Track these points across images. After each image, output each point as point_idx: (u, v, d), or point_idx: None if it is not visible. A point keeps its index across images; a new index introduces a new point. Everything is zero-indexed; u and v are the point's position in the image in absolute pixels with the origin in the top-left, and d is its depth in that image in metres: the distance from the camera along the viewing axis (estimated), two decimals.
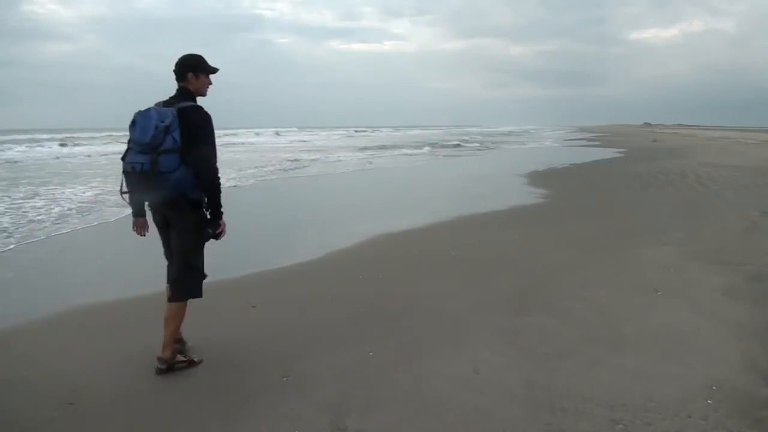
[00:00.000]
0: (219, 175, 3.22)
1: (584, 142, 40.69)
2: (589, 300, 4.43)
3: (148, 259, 6.50)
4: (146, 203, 3.31)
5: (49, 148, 29.73)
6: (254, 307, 4.46)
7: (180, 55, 3.32)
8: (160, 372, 3.26)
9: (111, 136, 39.56)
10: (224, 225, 3.30)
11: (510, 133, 73.16)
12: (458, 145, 36.32)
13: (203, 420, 2.80)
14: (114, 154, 25.71)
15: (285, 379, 3.20)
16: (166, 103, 3.19)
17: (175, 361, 3.32)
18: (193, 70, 3.27)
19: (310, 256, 6.19)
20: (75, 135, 42.76)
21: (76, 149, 29.04)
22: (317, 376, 3.21)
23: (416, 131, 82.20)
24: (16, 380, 3.26)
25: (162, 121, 3.03)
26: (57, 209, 9.12)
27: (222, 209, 3.25)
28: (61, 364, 3.48)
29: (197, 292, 3.35)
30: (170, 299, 3.31)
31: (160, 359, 3.27)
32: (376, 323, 4.09)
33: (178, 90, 3.27)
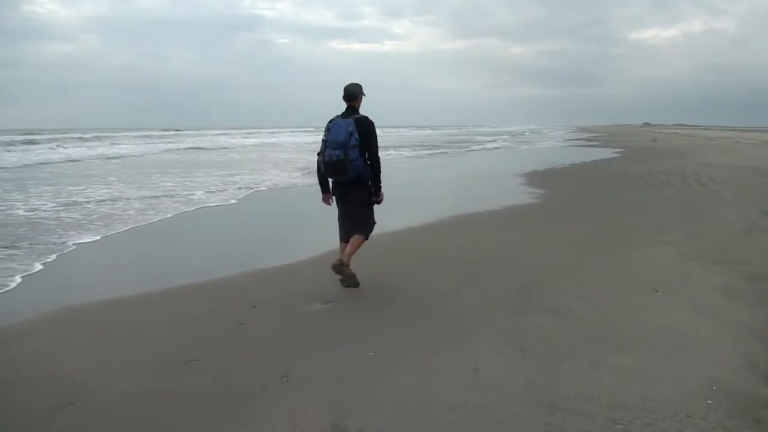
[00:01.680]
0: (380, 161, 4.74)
1: (584, 142, 40.70)
2: (589, 300, 4.43)
3: (149, 257, 6.56)
4: (330, 182, 4.85)
5: (88, 146, 30.19)
6: (254, 307, 4.45)
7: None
8: (336, 265, 4.75)
9: (130, 135, 39.66)
10: (383, 195, 4.87)
11: (523, 133, 74.50)
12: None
13: (203, 420, 2.80)
14: (154, 153, 26.57)
15: (285, 379, 3.20)
16: (343, 116, 4.69)
17: (347, 269, 4.81)
18: (359, 95, 4.76)
19: (310, 255, 6.19)
20: (102, 134, 42.94)
21: (116, 149, 29.43)
22: (317, 376, 3.21)
23: (427, 131, 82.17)
24: (16, 380, 3.26)
25: (348, 128, 4.56)
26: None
27: (381, 185, 4.80)
28: (61, 364, 3.48)
29: (368, 236, 4.91)
30: (355, 237, 4.81)
31: (339, 260, 4.77)
32: (376, 323, 4.09)
33: (348, 107, 4.74)
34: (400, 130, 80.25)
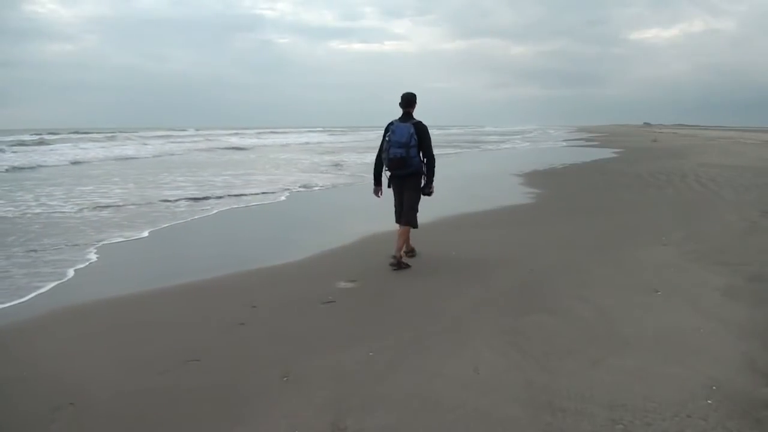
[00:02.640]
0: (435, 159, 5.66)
1: (583, 142, 40.70)
2: (589, 300, 4.43)
3: (154, 254, 6.55)
4: (385, 177, 5.75)
5: (104, 146, 30.09)
6: (254, 307, 4.45)
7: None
8: (393, 265, 5.46)
9: (147, 135, 40.80)
10: (434, 188, 5.69)
11: (531, 132, 75.15)
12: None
13: (203, 420, 2.80)
14: (181, 153, 26.48)
15: (285, 379, 3.20)
16: (402, 120, 5.56)
17: (402, 261, 5.54)
18: (415, 102, 5.65)
19: (309, 255, 6.19)
20: (111, 134, 43.36)
21: (150, 147, 29.68)
22: (317, 376, 3.21)
23: (435, 131, 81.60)
24: (16, 380, 3.26)
25: (409, 130, 5.45)
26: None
27: (433, 178, 5.64)
28: (61, 364, 3.48)
29: (415, 224, 5.70)
30: (402, 225, 5.66)
31: (393, 257, 5.51)
32: (376, 323, 4.09)
33: (405, 113, 5.60)
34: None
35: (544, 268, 5.49)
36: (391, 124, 5.59)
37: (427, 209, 9.10)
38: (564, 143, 40.69)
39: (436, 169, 5.69)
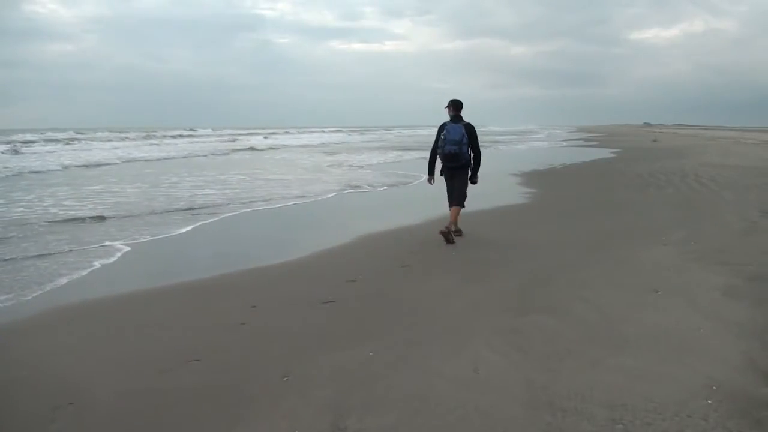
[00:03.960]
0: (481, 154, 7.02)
1: (584, 142, 40.70)
2: (589, 300, 4.43)
3: (156, 251, 6.55)
4: (438, 168, 7.05)
5: (125, 146, 30.78)
6: (254, 307, 4.45)
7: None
8: (444, 234, 6.53)
9: (167, 135, 42.00)
10: (479, 178, 7.09)
11: (537, 132, 75.73)
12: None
13: (203, 420, 2.80)
14: (223, 153, 26.56)
15: (285, 379, 3.20)
16: (453, 122, 6.78)
17: (453, 231, 6.70)
18: (462, 106, 6.87)
19: (308, 254, 6.19)
20: (158, 133, 44.23)
21: (180, 146, 30.78)
22: (317, 376, 3.21)
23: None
24: (16, 380, 3.26)
25: (461, 131, 6.70)
26: None
27: (478, 170, 7.00)
28: (61, 364, 3.48)
29: (464, 204, 6.98)
30: (454, 206, 6.89)
31: (446, 227, 6.60)
32: (376, 323, 4.09)
33: (455, 116, 6.82)
34: (406, 131, 69.72)
35: (544, 268, 5.49)
36: (444, 124, 6.82)
37: (427, 209, 9.11)
38: (564, 143, 40.69)
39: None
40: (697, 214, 8.45)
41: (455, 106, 6.82)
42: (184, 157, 23.67)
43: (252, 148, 31.42)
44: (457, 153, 6.71)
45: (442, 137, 6.76)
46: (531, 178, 14.59)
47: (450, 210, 6.92)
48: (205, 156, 24.60)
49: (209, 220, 8.46)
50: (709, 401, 2.80)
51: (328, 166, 19.43)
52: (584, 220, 8.41)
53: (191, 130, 56.06)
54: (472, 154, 6.87)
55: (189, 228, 7.83)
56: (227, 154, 26.69)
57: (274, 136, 50.26)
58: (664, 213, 8.69)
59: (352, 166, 19.24)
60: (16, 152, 22.81)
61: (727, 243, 6.36)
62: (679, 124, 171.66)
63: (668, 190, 11.40)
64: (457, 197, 6.89)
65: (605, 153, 26.24)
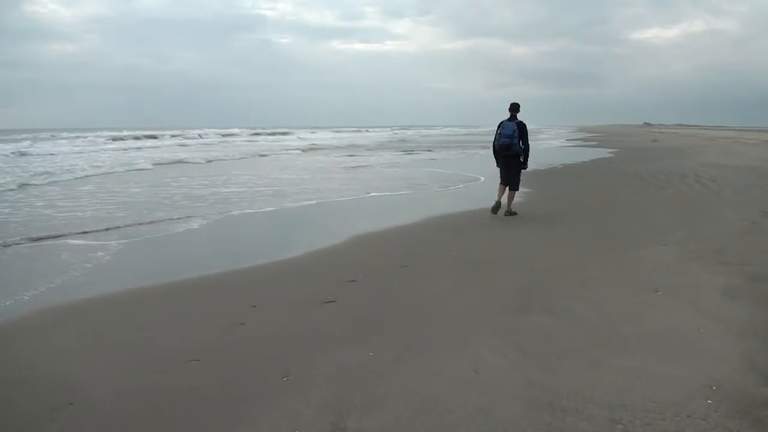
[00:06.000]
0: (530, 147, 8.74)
1: (583, 143, 40.69)
2: (589, 300, 4.43)
3: (169, 256, 6.55)
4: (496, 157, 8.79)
5: (142, 145, 32.42)
6: (254, 307, 4.45)
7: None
8: (495, 207, 8.52)
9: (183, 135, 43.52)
10: (527, 165, 8.82)
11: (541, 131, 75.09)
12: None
13: (203, 420, 2.80)
14: (252, 157, 26.45)
15: (285, 379, 3.20)
16: (509, 120, 8.46)
17: (507, 213, 8.54)
18: (519, 108, 8.51)
19: (310, 254, 6.19)
20: (141, 134, 44.74)
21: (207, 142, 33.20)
22: (317, 376, 3.21)
23: (445, 130, 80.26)
24: (16, 380, 3.26)
25: (513, 127, 8.40)
26: None
27: (528, 159, 8.72)
28: (61, 364, 3.48)
29: (518, 188, 8.87)
30: (510, 192, 8.68)
31: (507, 210, 8.57)
32: (376, 323, 4.09)
33: (512, 115, 8.48)
34: (407, 132, 67.56)
35: (544, 268, 5.49)
36: (501, 122, 8.55)
37: (427, 209, 9.10)
38: (564, 143, 40.69)
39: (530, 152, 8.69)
40: (697, 214, 8.45)
41: (513, 106, 8.50)
42: (258, 156, 25.26)
43: (313, 146, 33.16)
44: (509, 144, 8.40)
45: (498, 132, 8.48)
46: (531, 177, 14.57)
47: (498, 188, 8.68)
48: (268, 155, 25.89)
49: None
50: (709, 401, 2.80)
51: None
52: (584, 220, 8.41)
53: (224, 129, 56.51)
54: (523, 147, 8.49)
55: (195, 225, 7.82)
56: (284, 153, 27.80)
57: (285, 138, 49.92)
58: (664, 213, 8.69)
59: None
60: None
61: (727, 243, 6.36)
62: (679, 124, 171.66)
63: (668, 190, 11.40)
64: (512, 184, 8.59)
65: (605, 153, 26.24)
